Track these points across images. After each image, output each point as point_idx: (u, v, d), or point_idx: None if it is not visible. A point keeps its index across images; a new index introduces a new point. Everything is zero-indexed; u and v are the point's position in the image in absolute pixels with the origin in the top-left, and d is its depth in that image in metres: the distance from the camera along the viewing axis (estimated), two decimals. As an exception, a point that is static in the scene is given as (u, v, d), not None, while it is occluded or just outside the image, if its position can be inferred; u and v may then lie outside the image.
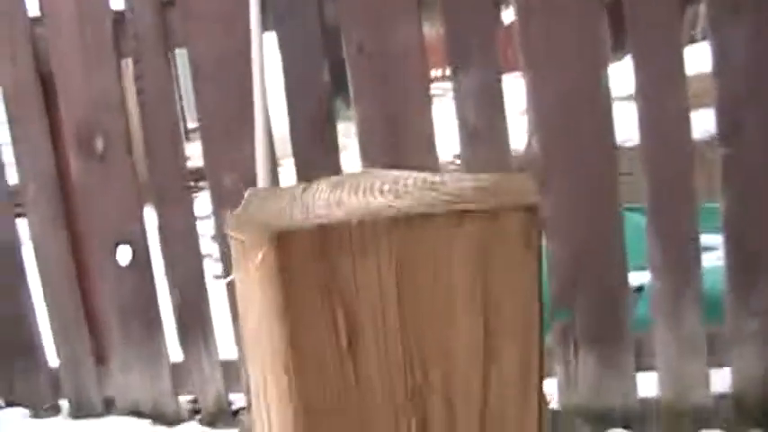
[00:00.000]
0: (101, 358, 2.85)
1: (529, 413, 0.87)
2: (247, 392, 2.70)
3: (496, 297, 0.83)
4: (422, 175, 0.92)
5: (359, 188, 0.90)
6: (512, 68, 2.58)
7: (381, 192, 0.88)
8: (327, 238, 0.80)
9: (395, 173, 0.94)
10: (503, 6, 2.56)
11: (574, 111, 2.48)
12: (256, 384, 0.91)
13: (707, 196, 2.61)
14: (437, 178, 0.91)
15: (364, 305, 0.82)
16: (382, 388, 0.84)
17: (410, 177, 0.92)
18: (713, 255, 2.75)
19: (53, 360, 2.92)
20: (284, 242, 0.80)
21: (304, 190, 0.92)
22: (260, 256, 0.80)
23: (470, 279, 0.82)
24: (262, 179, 2.42)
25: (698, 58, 3.01)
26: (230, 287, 0.86)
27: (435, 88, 2.79)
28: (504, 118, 2.51)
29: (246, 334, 0.90)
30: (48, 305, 2.84)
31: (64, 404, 2.95)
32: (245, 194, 0.96)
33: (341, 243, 0.80)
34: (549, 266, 2.50)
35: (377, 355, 0.83)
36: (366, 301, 0.82)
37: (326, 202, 0.87)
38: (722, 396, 2.50)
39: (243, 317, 0.90)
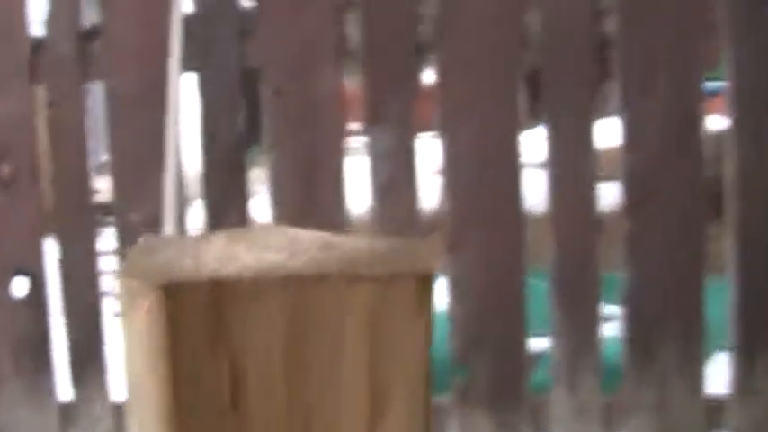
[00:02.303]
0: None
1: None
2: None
3: (385, 360, 0.84)
4: (321, 234, 0.94)
5: (255, 244, 0.91)
6: (426, 127, 2.63)
7: (277, 249, 0.89)
8: (217, 292, 0.81)
9: (295, 231, 0.95)
10: (423, 66, 2.62)
11: (486, 174, 2.53)
12: (136, 428, 0.90)
13: (607, 267, 2.69)
14: (336, 239, 0.92)
15: (251, 358, 0.82)
16: (264, 442, 0.84)
17: (308, 237, 0.93)
18: (613, 325, 2.82)
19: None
20: (173, 293, 0.80)
21: (199, 241, 0.93)
22: (147, 304, 0.80)
23: (359, 340, 0.83)
24: (168, 219, 2.40)
25: (606, 133, 3.11)
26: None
27: (355, 141, 2.83)
28: (415, 176, 2.55)
29: (130, 380, 0.89)
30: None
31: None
32: (139, 240, 0.96)
33: (231, 299, 0.81)
34: (451, 324, 2.53)
35: (260, 407, 0.83)
36: (253, 354, 0.82)
37: (220, 255, 0.88)
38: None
39: (127, 362, 0.89)
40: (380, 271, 0.84)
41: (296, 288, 0.82)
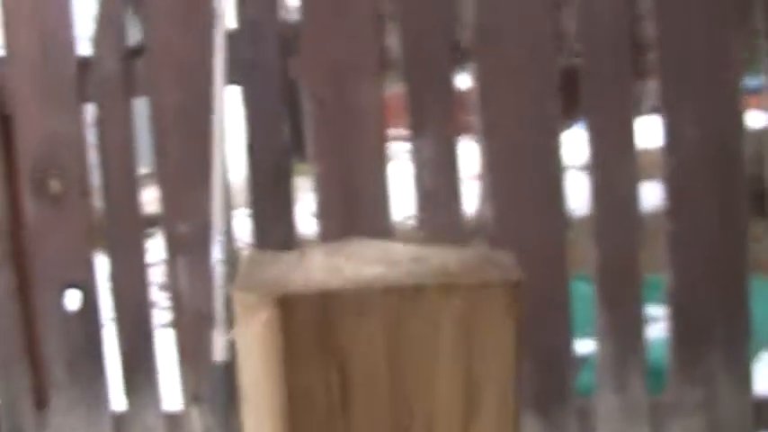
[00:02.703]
0: (41, 402, 2.87)
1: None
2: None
3: (478, 360, 0.92)
4: (408, 246, 1.02)
5: (352, 257, 1.00)
6: (465, 132, 2.70)
7: (374, 261, 0.98)
8: (326, 303, 0.90)
9: (386, 244, 1.04)
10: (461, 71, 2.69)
11: (527, 178, 2.61)
12: (252, 430, 0.99)
13: (651, 267, 2.75)
14: (425, 251, 1.01)
15: (357, 364, 0.91)
16: (370, 444, 0.93)
17: (398, 248, 1.02)
18: (658, 326, 2.88)
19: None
20: (287, 305, 0.89)
21: (301, 256, 1.01)
22: (264, 316, 0.89)
23: (454, 344, 0.92)
24: (217, 230, 2.49)
25: (645, 132, 3.18)
26: (231, 343, 0.94)
27: (398, 147, 2.92)
28: (458, 182, 2.63)
29: (244, 386, 0.98)
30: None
31: (0, 448, 2.95)
32: (247, 257, 1.05)
33: (339, 308, 0.90)
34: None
35: (366, 409, 0.92)
36: (359, 360, 0.91)
37: (324, 268, 0.97)
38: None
39: (242, 370, 0.98)
40: (472, 280, 0.92)
41: (396, 298, 0.91)
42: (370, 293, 0.91)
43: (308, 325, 0.90)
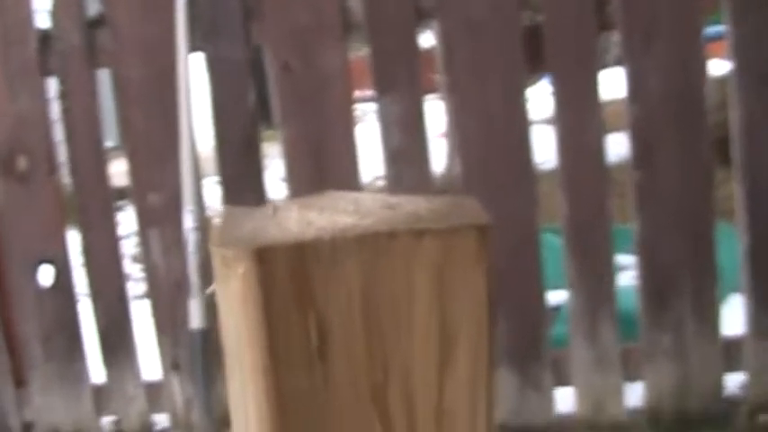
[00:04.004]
0: (20, 381, 2.89)
1: (479, 412, 1.00)
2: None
3: (451, 306, 0.96)
4: (379, 196, 1.06)
5: (325, 209, 1.03)
6: (429, 91, 2.73)
7: (346, 212, 1.01)
8: (302, 253, 0.93)
9: (355, 194, 1.08)
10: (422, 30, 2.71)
11: (494, 134, 2.64)
12: (236, 385, 1.03)
13: (619, 218, 2.81)
14: (395, 200, 1.04)
15: (334, 312, 0.95)
16: (349, 385, 0.97)
17: (369, 199, 1.05)
18: (627, 275, 2.94)
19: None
20: (264, 257, 0.92)
21: (275, 210, 1.05)
22: (242, 269, 0.92)
23: (428, 289, 0.96)
24: (188, 198, 2.51)
25: (610, 84, 3.21)
26: (210, 297, 0.98)
27: (357, 109, 2.93)
28: (426, 141, 2.66)
29: (226, 338, 1.02)
30: (-36, 326, 2.87)
31: (-21, 428, 2.98)
32: (222, 212, 1.08)
33: (314, 258, 0.93)
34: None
35: (344, 356, 0.96)
36: (336, 308, 0.95)
37: (298, 221, 1.00)
38: (637, 410, 2.68)
39: (223, 323, 1.01)
40: (443, 225, 0.96)
41: (369, 245, 0.94)
42: (344, 242, 0.94)
43: (286, 276, 0.94)
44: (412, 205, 1.02)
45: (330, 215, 1.01)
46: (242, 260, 0.93)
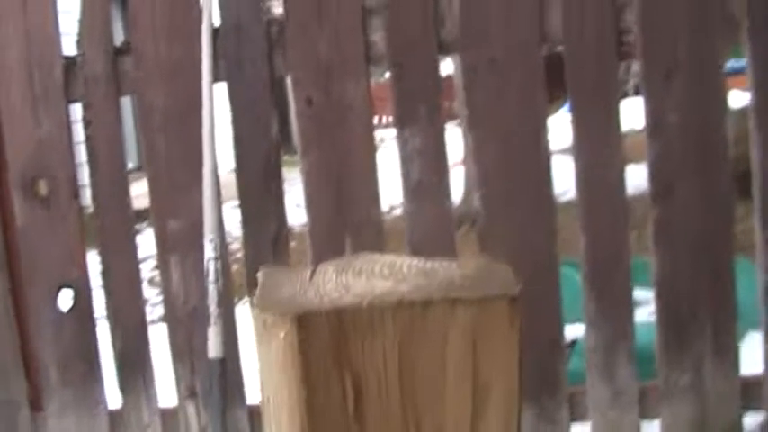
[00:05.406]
0: (36, 405, 2.94)
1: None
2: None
3: (483, 370, 1.01)
4: (414, 260, 1.10)
5: (361, 272, 1.08)
6: (447, 119, 2.77)
7: (383, 276, 1.06)
8: (341, 319, 0.98)
9: (393, 258, 1.12)
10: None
11: (514, 166, 2.68)
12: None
13: (637, 251, 2.84)
14: (430, 265, 1.09)
15: (370, 375, 1.00)
16: (383, 450, 1.01)
17: (405, 262, 1.09)
18: (645, 310, 2.97)
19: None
20: (304, 323, 0.97)
21: (312, 273, 1.09)
22: (282, 334, 0.97)
23: (461, 355, 1.00)
24: (209, 226, 2.57)
25: (629, 114, 3.24)
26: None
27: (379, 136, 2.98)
28: (446, 174, 2.70)
29: (265, 399, 1.06)
30: (-17, 348, 2.92)
31: (-6, 449, 3.02)
32: (259, 274, 1.12)
33: (352, 323, 0.98)
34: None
35: (379, 418, 1.00)
36: (372, 372, 0.99)
37: (336, 285, 1.05)
38: (653, 447, 2.72)
39: (262, 384, 1.06)
40: (477, 294, 1.00)
41: (406, 312, 0.99)
42: (381, 309, 0.99)
43: (324, 341, 0.98)
44: (446, 272, 1.07)
45: (367, 279, 1.05)
46: (283, 325, 0.97)
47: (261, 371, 1.05)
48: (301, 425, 0.99)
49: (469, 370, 1.00)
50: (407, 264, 1.08)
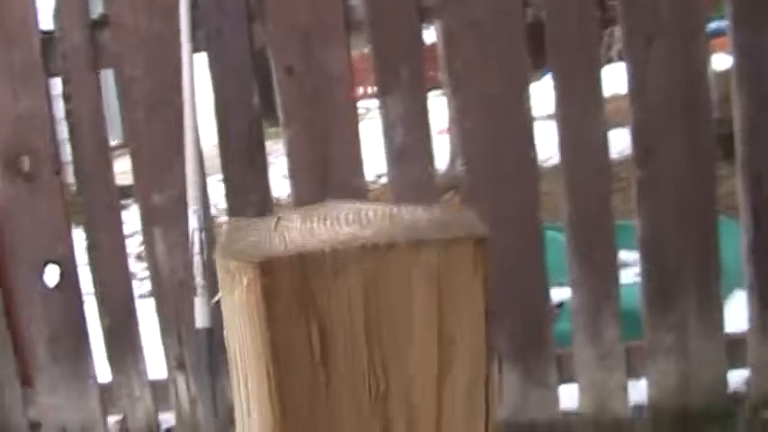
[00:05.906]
0: (26, 380, 2.94)
1: (479, 420, 1.05)
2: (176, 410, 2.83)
3: (449, 315, 1.00)
4: (380, 206, 1.10)
5: (327, 219, 1.07)
6: (431, 88, 2.76)
7: (347, 222, 1.05)
8: (305, 264, 0.97)
9: (356, 205, 1.12)
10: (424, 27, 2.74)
11: (497, 132, 2.68)
12: (239, 392, 1.07)
13: (622, 214, 2.84)
14: (395, 210, 1.08)
15: (336, 322, 0.99)
16: (349, 394, 1.01)
17: (370, 209, 1.09)
18: (630, 271, 2.98)
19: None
20: (268, 269, 0.96)
21: (277, 222, 1.09)
22: (246, 281, 0.97)
23: (426, 300, 1.00)
24: (192, 198, 2.56)
25: (613, 80, 3.24)
26: (217, 305, 1.03)
27: (360, 107, 2.97)
28: (429, 139, 2.70)
29: (231, 347, 1.06)
30: (-30, 326, 2.92)
31: (-14, 427, 3.03)
32: (226, 226, 1.12)
33: (316, 269, 0.97)
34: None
35: (345, 365, 1.00)
36: (337, 317, 0.99)
37: (300, 232, 1.04)
38: (640, 407, 2.72)
39: (228, 333, 1.06)
40: (442, 236, 1.00)
41: (369, 256, 0.98)
42: (345, 253, 0.98)
43: (288, 286, 0.98)
44: (411, 216, 1.06)
45: (332, 225, 1.05)
46: (246, 272, 0.97)
47: (226, 322, 1.05)
48: (267, 372, 0.99)
49: (434, 318, 1.00)
50: (373, 210, 1.08)
